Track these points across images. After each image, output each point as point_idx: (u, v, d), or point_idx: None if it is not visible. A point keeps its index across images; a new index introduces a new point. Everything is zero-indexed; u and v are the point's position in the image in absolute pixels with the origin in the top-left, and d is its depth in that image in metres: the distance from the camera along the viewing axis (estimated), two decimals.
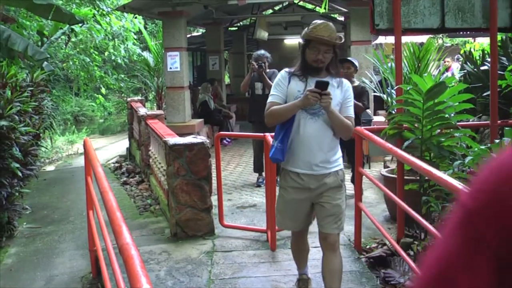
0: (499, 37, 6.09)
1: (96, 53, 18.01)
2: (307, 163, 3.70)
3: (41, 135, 9.73)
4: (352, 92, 3.85)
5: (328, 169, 3.72)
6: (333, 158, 3.76)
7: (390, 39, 14.99)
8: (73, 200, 8.07)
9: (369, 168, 8.76)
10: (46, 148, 13.00)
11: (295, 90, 3.70)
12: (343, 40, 3.68)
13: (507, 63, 6.49)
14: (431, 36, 9.87)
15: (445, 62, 12.79)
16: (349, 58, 7.47)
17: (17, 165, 6.36)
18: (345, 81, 3.85)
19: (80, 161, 11.51)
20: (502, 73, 5.88)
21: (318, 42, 3.58)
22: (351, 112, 3.78)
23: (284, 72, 3.85)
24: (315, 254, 4.62)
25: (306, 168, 3.71)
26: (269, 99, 3.83)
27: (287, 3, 15.85)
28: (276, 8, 18.11)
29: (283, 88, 3.77)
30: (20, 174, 6.47)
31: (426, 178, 4.61)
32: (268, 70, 7.99)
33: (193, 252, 5.36)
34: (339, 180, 3.80)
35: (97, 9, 12.23)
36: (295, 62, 3.83)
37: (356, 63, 7.18)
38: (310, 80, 3.67)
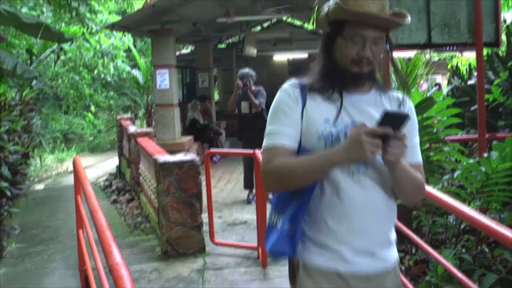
0: (485, 52, 6.15)
1: (86, 71, 17.99)
2: (357, 250, 1.97)
3: (30, 153, 9.70)
4: (415, 116, 2.18)
5: (389, 261, 2.05)
6: (394, 238, 2.11)
7: None
8: (63, 219, 8.02)
9: None
10: (35, 167, 12.94)
11: (319, 119, 1.96)
12: (408, 19, 1.98)
13: (493, 77, 6.55)
14: (419, 51, 9.95)
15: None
16: None
17: (6, 184, 6.33)
18: (402, 96, 2.13)
19: (70, 180, 11.47)
20: (488, 87, 5.94)
21: (362, 24, 1.91)
22: (419, 157, 2.11)
23: (290, 86, 2.05)
24: None
25: (356, 260, 1.97)
26: (268, 141, 2.01)
27: (275, 20, 15.98)
28: (265, 25, 18.25)
29: (293, 117, 1.99)
30: (8, 193, 6.44)
31: None
32: (254, 88, 8.04)
33: (184, 270, 5.34)
34: (399, 279, 2.15)
35: (86, 27, 12.23)
36: (312, 69, 2.09)
37: None
38: (347, 98, 1.99)
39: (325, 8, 2.01)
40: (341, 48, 1.96)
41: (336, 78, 2.00)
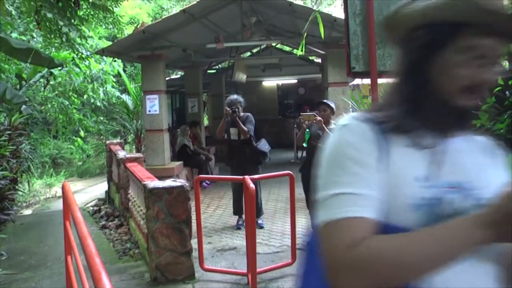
0: None
1: (75, 96, 18.00)
2: None
3: (18, 178, 9.65)
4: None
5: None
6: None
7: (367, 80, 15.26)
8: (51, 245, 7.95)
9: None
10: (24, 192, 12.86)
11: (409, 177, 1.24)
12: None
13: (480, 103, 6.64)
14: None
15: None
16: (324, 100, 7.53)
17: None
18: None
19: (58, 205, 11.40)
20: (476, 112, 6.00)
21: (491, 33, 1.27)
22: None
23: (357, 121, 1.31)
24: None
25: None
26: (338, 212, 1.19)
27: (265, 46, 16.09)
28: (254, 50, 18.38)
29: (373, 171, 1.23)
30: None
31: None
32: (242, 114, 8.05)
33: None
34: None
35: (76, 52, 12.26)
36: (387, 97, 1.41)
37: (333, 105, 7.15)
38: (452, 144, 1.34)
39: (421, 2, 1.31)
40: (449, 67, 1.29)
41: (436, 113, 1.33)
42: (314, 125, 6.92)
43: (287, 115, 21.87)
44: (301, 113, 7.14)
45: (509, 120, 6.03)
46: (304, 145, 7.19)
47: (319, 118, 6.83)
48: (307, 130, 7.03)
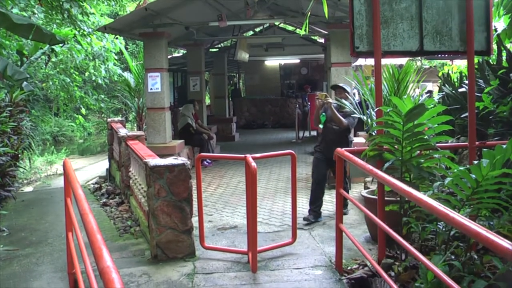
0: (476, 60, 6.19)
1: (77, 73, 17.93)
2: None
3: (19, 155, 9.65)
4: None
5: None
6: None
7: (370, 61, 15.19)
8: (52, 222, 7.97)
9: (350, 189, 8.79)
10: (25, 169, 12.87)
11: None
12: None
13: (484, 85, 6.59)
14: (410, 58, 10.01)
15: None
16: (341, 84, 7.82)
17: None
18: None
19: (59, 182, 11.42)
20: (479, 95, 5.98)
21: None
22: None
23: None
24: None
25: None
26: None
27: (267, 25, 15.99)
28: (257, 29, 18.27)
29: None
30: None
31: (406, 199, 4.65)
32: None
33: (174, 274, 5.32)
34: None
35: (78, 29, 12.17)
36: None
37: (349, 89, 7.58)
38: None
39: None
40: None
41: None
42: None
43: (289, 95, 21.84)
44: (317, 92, 7.37)
45: None
46: (320, 126, 7.43)
47: (330, 100, 7.17)
48: (323, 113, 7.30)
